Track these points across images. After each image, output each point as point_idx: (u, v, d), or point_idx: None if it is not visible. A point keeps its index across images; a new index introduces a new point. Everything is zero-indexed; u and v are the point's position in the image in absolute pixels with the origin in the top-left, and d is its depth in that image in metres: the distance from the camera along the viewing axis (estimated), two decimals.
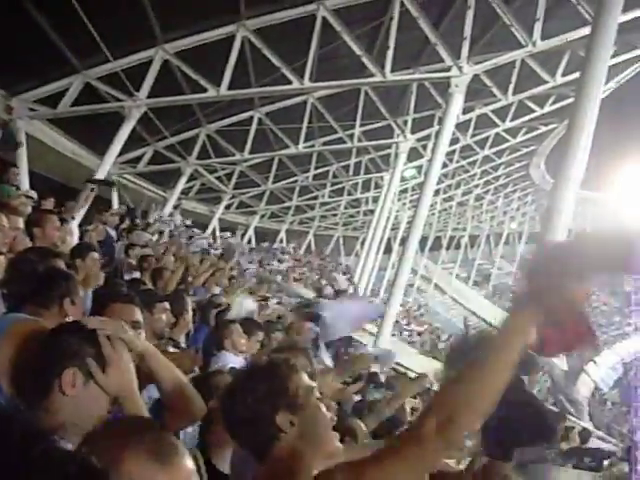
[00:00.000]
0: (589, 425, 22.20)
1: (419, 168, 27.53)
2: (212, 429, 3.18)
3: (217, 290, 9.72)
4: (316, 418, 2.14)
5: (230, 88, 16.27)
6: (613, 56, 23.22)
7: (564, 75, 21.52)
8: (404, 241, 19.80)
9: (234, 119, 21.17)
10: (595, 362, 42.96)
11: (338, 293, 20.38)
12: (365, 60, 17.05)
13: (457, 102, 17.64)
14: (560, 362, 40.01)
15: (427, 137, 24.40)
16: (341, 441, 2.20)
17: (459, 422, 1.59)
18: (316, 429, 2.12)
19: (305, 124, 21.75)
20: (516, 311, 1.68)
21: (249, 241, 30.67)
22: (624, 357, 45.74)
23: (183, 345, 5.31)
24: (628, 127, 42.62)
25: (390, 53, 17.03)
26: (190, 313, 5.56)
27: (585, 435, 11.66)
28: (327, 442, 2.15)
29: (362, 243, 31.99)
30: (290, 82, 16.79)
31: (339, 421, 4.29)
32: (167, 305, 4.54)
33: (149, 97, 15.79)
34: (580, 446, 10.79)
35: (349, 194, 31.49)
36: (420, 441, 1.60)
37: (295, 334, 6.26)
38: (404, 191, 32.00)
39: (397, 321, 27.35)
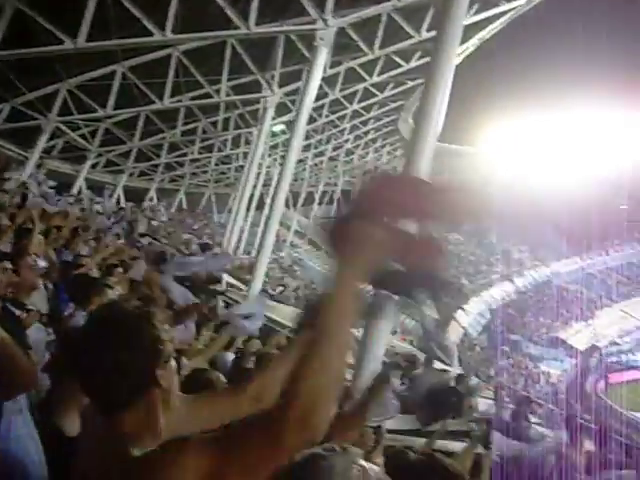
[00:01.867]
0: (459, 369, 23.14)
1: (288, 123, 27.44)
2: (58, 389, 3.05)
3: (85, 250, 9.37)
4: (172, 371, 2.06)
5: (89, 40, 15.63)
6: (475, 13, 23.91)
7: (429, 30, 21.86)
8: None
9: (96, 73, 20.38)
10: (464, 309, 44.69)
11: (203, 248, 20.20)
12: (229, 12, 16.73)
13: (322, 55, 17.60)
14: (431, 311, 41.50)
15: (295, 92, 24.27)
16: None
17: (318, 412, 1.59)
18: (170, 382, 2.05)
19: (171, 78, 21.23)
20: (341, 276, 1.65)
21: (118, 200, 29.90)
22: (491, 304, 47.82)
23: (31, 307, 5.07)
24: (497, 85, 44.03)
25: (255, 5, 16.80)
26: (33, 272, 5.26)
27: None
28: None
29: (234, 200, 31.76)
30: (152, 34, 16.29)
31: (198, 372, 4.24)
32: (7, 264, 4.30)
33: (0, 49, 14.96)
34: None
35: (219, 150, 31.10)
36: (283, 431, 1.59)
37: (148, 288, 6.14)
38: (275, 147, 31.86)
39: (270, 276, 27.40)
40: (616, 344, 46.75)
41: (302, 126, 17.27)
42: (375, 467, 1.95)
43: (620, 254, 57.92)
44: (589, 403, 31.82)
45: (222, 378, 3.90)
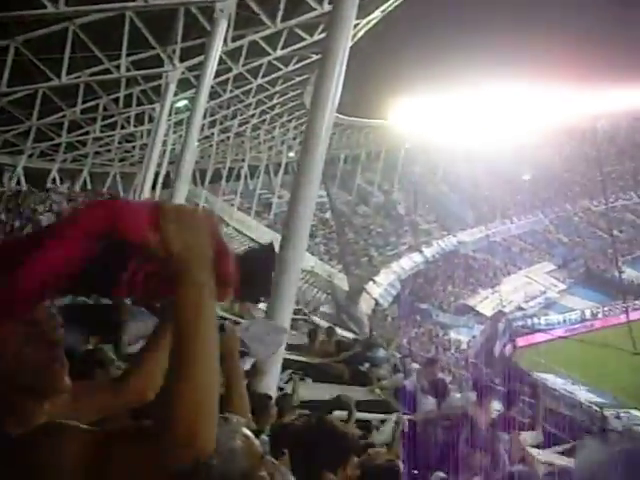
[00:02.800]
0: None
1: (191, 99, 27.01)
2: None
3: None
4: None
5: None
6: None
7: (331, 3, 21.76)
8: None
9: None
10: (374, 281, 45.23)
11: None
12: None
13: (222, 28, 17.34)
14: (342, 283, 41.86)
15: (198, 66, 23.84)
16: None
17: (200, 433, 1.49)
18: None
19: (68, 54, 20.55)
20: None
21: (18, 182, 28.95)
22: (400, 274, 48.54)
23: None
24: (402, 60, 44.36)
25: None
26: None
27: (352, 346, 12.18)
28: None
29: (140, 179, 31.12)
30: (45, 7, 15.70)
31: (89, 352, 4.11)
32: None
33: None
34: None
35: (122, 128, 30.32)
36: (166, 453, 1.50)
37: None
38: (179, 123, 31.31)
39: None
40: (521, 309, 48.25)
41: (204, 101, 17.02)
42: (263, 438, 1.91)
43: (523, 222, 59.57)
44: (497, 367, 32.73)
45: (111, 356, 3.78)
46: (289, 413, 5.97)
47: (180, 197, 16.63)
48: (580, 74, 46.33)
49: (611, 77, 51.35)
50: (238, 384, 2.94)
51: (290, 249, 8.18)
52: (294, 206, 8.40)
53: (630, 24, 50.25)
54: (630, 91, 55.63)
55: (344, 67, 8.47)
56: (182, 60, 23.25)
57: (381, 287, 45.65)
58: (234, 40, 22.72)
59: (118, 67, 22.29)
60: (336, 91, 8.39)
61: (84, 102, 25.80)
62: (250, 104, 34.56)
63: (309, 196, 8.36)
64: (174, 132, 31.81)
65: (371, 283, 44.93)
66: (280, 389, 8.00)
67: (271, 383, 7.33)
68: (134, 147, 34.11)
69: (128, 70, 22.87)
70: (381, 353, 12.42)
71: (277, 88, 33.06)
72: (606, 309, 47.24)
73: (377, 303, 42.80)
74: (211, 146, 39.66)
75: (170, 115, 26.83)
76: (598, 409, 23.09)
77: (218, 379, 1.57)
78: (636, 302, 46.89)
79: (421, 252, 52.34)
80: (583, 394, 30.61)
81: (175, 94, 24.47)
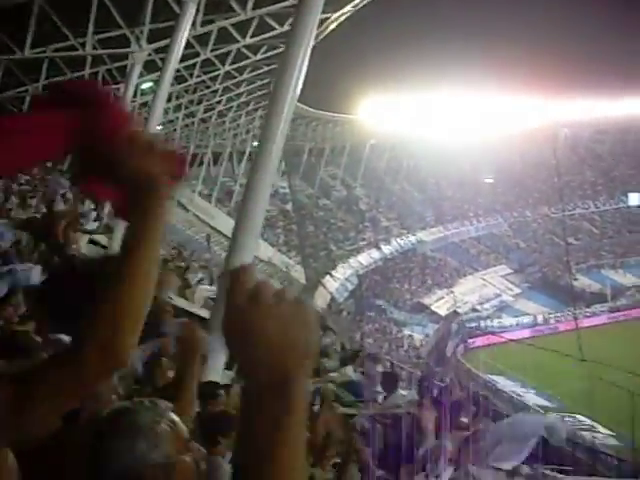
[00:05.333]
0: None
1: (157, 81, 26.73)
2: None
3: None
4: None
5: None
6: None
7: None
8: None
9: None
10: (332, 275, 45.30)
11: None
12: None
13: (191, 12, 17.15)
14: (299, 275, 41.81)
15: (165, 49, 23.60)
16: None
17: (120, 339, 1.50)
18: None
19: (32, 27, 20.18)
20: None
21: None
22: (358, 270, 48.67)
23: None
24: (371, 57, 44.48)
25: None
26: None
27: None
28: None
29: None
30: None
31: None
32: None
33: None
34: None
35: None
36: (82, 364, 1.49)
37: None
38: (144, 105, 30.99)
39: None
40: (476, 310, 48.70)
41: (168, 83, 16.85)
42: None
43: (482, 225, 60.07)
44: (448, 366, 33.01)
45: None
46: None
47: None
48: (547, 83, 46.96)
49: (576, 88, 52.16)
50: (189, 383, 2.97)
51: (244, 235, 8.13)
52: (250, 193, 8.37)
53: (598, 38, 51.02)
54: (593, 103, 56.61)
55: (307, 58, 8.44)
56: (149, 42, 22.95)
57: (338, 281, 45.74)
58: (203, 25, 22.54)
59: (84, 45, 21.97)
60: (297, 82, 8.35)
61: (47, 78, 25.37)
62: (217, 90, 34.33)
63: (265, 184, 8.32)
64: (139, 114, 31.46)
65: (328, 277, 45.00)
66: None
67: (214, 373, 7.26)
68: None
69: (94, 48, 22.56)
70: (330, 338, 12.46)
71: (245, 76, 32.90)
72: (558, 315, 47.88)
73: (333, 297, 42.87)
74: (175, 130, 39.32)
75: (135, 96, 26.53)
76: (544, 413, 23.38)
77: (143, 305, 1.55)
78: (587, 310, 47.66)
79: (380, 249, 52.52)
80: (531, 397, 31.01)
81: (141, 75, 24.17)
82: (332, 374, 10.41)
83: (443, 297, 48.74)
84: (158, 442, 1.78)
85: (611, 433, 23.24)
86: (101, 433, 1.76)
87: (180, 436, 1.85)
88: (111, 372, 1.57)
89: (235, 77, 32.23)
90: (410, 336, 41.69)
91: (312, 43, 8.48)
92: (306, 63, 8.41)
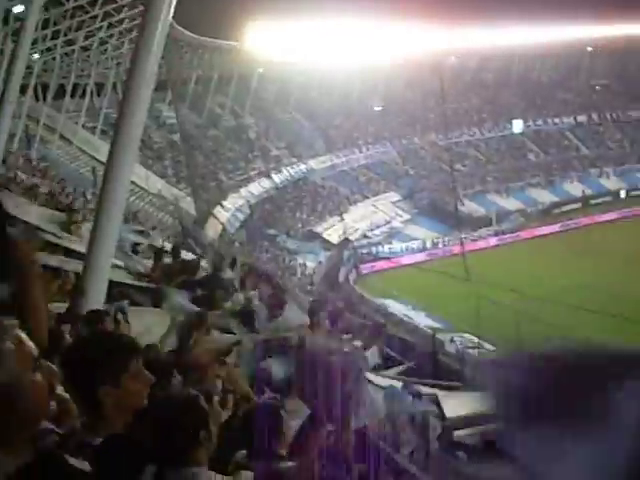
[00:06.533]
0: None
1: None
2: None
3: None
4: None
5: None
6: None
7: None
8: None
9: None
10: (223, 206, 44.99)
11: None
12: None
13: None
14: (190, 207, 41.40)
15: None
16: None
17: None
18: None
19: None
20: None
21: None
22: (249, 200, 48.51)
23: None
24: None
25: None
26: None
27: (196, 267, 11.97)
28: None
29: None
30: None
31: None
32: None
33: None
34: (191, 278, 11.07)
35: None
36: None
37: None
38: (18, 32, 29.44)
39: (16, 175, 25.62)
40: (367, 237, 49.46)
41: (38, 4, 15.99)
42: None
43: (371, 152, 60.54)
44: (341, 292, 33.53)
45: None
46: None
47: (8, 112, 15.67)
48: (436, 11, 47.16)
49: (463, 17, 52.62)
50: (32, 292, 2.77)
51: (117, 163, 7.87)
52: (123, 122, 8.08)
53: None
54: (480, 31, 57.31)
55: None
56: None
57: (229, 212, 45.47)
58: None
59: None
60: (170, 3, 8.03)
61: None
62: (97, 16, 32.95)
63: (138, 108, 8.04)
64: (13, 41, 29.89)
65: (219, 208, 44.63)
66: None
67: (95, 303, 7.08)
68: None
69: None
70: (228, 274, 12.38)
71: (125, 1, 31.67)
72: (446, 239, 49.18)
73: (224, 228, 42.62)
74: (54, 59, 37.60)
75: (7, 23, 25.16)
76: (432, 333, 24.12)
77: None
78: (473, 234, 49.15)
79: (270, 178, 52.35)
80: (421, 319, 31.90)
81: None
82: (226, 304, 10.36)
83: (334, 225, 49.17)
84: (2, 359, 1.67)
85: (496, 349, 24.16)
86: None
87: (28, 354, 1.74)
88: None
89: (115, 2, 31.00)
90: (303, 264, 42.00)
91: None
92: None
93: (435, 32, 53.28)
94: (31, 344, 1.76)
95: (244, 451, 4.06)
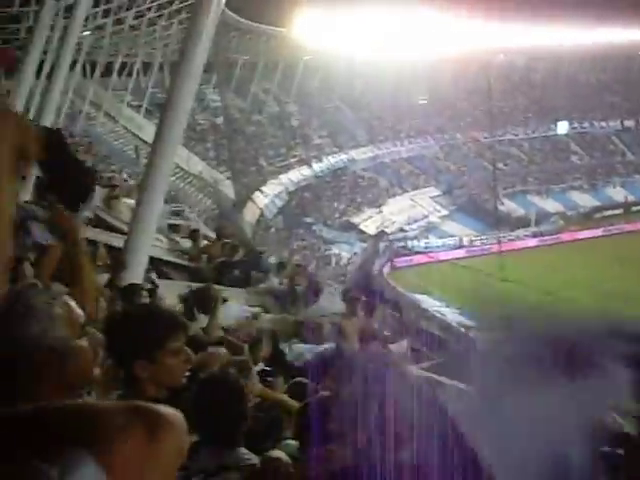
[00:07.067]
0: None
1: None
2: None
3: None
4: None
5: None
6: None
7: None
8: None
9: None
10: (262, 191, 45.15)
11: None
12: None
13: None
14: (229, 191, 41.59)
15: None
16: None
17: None
18: None
19: None
20: None
21: None
22: (288, 187, 48.59)
23: None
24: None
25: None
26: None
27: (235, 249, 12.08)
28: None
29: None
30: None
31: None
32: None
33: None
34: (230, 259, 11.19)
35: (7, 7, 28.54)
36: None
37: None
38: (70, 8, 29.72)
39: None
40: (403, 231, 49.33)
41: None
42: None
43: (413, 146, 60.27)
44: (374, 284, 33.46)
45: None
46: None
47: (56, 86, 15.85)
48: (486, 7, 46.74)
49: (513, 15, 52.06)
50: (79, 259, 2.81)
51: (163, 143, 7.94)
52: (171, 103, 8.15)
53: None
54: (530, 30, 56.60)
55: None
56: None
57: (268, 198, 45.62)
58: None
59: None
60: None
61: None
62: None
63: (187, 92, 8.10)
64: (64, 17, 30.19)
65: (258, 193, 44.81)
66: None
67: (137, 276, 7.19)
68: (18, 30, 32.18)
69: None
70: (265, 258, 12.52)
71: None
72: (483, 238, 48.89)
73: (262, 213, 42.80)
74: (103, 37, 37.88)
75: None
76: (465, 330, 23.98)
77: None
78: (511, 234, 48.80)
79: (311, 166, 52.34)
80: (454, 316, 31.72)
81: None
82: (261, 285, 10.47)
83: (372, 216, 49.11)
84: (52, 325, 1.71)
85: None
86: None
87: (75, 320, 1.77)
88: None
89: None
90: (338, 254, 42.04)
91: None
92: None
93: (485, 29, 52.77)
94: (79, 311, 1.78)
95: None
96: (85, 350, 1.77)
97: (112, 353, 2.90)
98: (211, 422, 3.00)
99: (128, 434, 1.18)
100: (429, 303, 33.21)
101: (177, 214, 19.26)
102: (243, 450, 3.11)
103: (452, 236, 49.78)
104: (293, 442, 4.11)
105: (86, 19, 27.00)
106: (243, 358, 5.04)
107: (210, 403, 3.06)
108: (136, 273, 7.27)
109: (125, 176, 26.06)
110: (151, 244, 8.10)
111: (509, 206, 54.22)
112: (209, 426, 2.98)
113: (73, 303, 1.77)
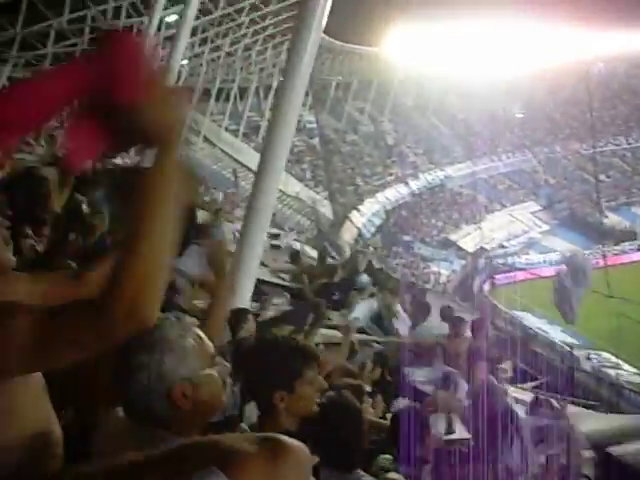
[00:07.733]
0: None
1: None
2: None
3: None
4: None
5: None
6: None
7: None
8: None
9: None
10: (359, 210, 45.28)
11: None
12: None
13: None
14: (326, 211, 41.87)
15: None
16: None
17: (145, 302, 1.46)
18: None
19: None
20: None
21: None
22: (385, 205, 48.59)
23: None
24: None
25: None
26: None
27: (335, 269, 12.22)
28: None
29: None
30: None
31: None
32: None
33: None
34: (331, 280, 11.32)
35: None
36: (108, 325, 1.46)
37: None
38: (170, 38, 30.72)
39: None
40: (503, 247, 48.54)
41: (192, 16, 16.64)
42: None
43: (511, 161, 59.42)
44: (475, 302, 33.04)
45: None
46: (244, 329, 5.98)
47: None
48: (581, 16, 45.73)
49: (612, 21, 50.74)
50: (222, 300, 3.00)
51: (268, 170, 8.10)
52: (274, 128, 8.31)
53: None
54: (630, 37, 55.02)
55: None
56: None
57: (365, 217, 45.74)
58: None
59: None
60: (322, 12, 8.16)
61: (71, 12, 25.26)
62: (242, 23, 33.98)
63: (289, 118, 8.24)
64: (163, 48, 31.22)
65: (355, 212, 44.98)
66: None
67: (243, 300, 7.34)
68: None
69: None
70: (364, 278, 12.53)
71: (271, 8, 32.49)
72: (586, 252, 47.59)
73: (360, 232, 42.91)
74: (201, 65, 39.00)
75: (160, 30, 26.30)
76: (569, 349, 23.44)
77: (168, 260, 1.51)
78: (615, 247, 47.33)
79: (407, 184, 52.25)
80: (557, 334, 31.01)
81: (165, 8, 23.91)
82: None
83: (470, 233, 48.55)
84: (185, 356, 1.80)
85: (636, 371, 23.23)
86: (129, 348, 1.76)
87: (206, 351, 1.87)
88: (133, 331, 1.51)
89: (261, 9, 31.85)
90: (437, 272, 41.70)
91: None
92: None
93: (582, 37, 51.62)
94: (209, 342, 1.88)
95: (389, 455, 4.14)
96: (215, 380, 1.86)
97: (249, 385, 3.02)
98: (332, 445, 3.08)
99: (255, 459, 1.33)
100: (531, 321, 32.55)
101: (276, 236, 19.52)
102: (361, 472, 3.19)
103: (553, 251, 48.64)
104: (387, 456, 4.18)
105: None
106: (358, 382, 5.12)
107: (331, 427, 3.13)
108: (243, 298, 7.41)
109: (221, 197, 26.67)
110: (257, 267, 8.24)
111: (613, 219, 52.62)
112: (329, 449, 3.05)
113: (203, 334, 1.87)
